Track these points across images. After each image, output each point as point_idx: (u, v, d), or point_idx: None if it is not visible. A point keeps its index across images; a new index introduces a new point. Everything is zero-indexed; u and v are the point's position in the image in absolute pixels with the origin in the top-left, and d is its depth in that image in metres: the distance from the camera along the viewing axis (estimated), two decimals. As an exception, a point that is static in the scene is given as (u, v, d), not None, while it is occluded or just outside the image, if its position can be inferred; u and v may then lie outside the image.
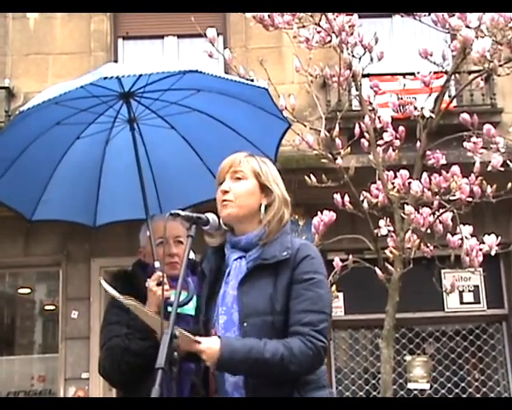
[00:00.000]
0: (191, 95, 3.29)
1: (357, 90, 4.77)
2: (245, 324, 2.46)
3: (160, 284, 2.90)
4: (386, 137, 4.48)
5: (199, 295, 2.96)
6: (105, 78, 2.84)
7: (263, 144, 3.35)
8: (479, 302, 9.17)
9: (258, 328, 2.45)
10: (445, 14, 4.20)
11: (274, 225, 2.58)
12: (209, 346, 2.37)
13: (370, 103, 4.64)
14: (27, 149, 3.23)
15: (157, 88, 3.22)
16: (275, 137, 3.43)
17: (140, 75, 3.05)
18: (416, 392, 8.97)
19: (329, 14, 4.58)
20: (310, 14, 4.65)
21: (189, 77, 3.03)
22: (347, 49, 4.61)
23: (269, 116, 3.28)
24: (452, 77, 4.82)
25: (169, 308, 2.49)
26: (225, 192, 2.59)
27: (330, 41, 4.60)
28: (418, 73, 4.54)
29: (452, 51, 4.53)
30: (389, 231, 4.40)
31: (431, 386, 9.00)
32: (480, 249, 4.12)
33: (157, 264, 3.07)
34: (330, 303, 2.56)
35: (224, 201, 2.59)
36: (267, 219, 2.59)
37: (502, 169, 4.16)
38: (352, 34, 4.61)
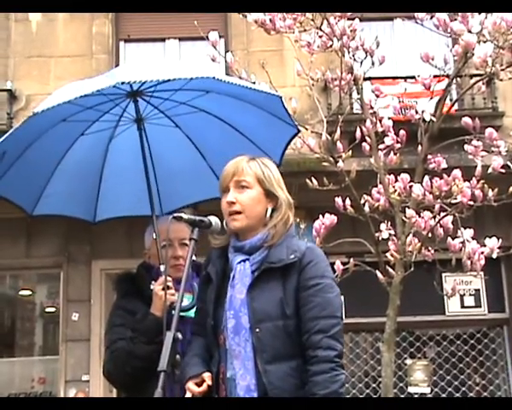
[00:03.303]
0: (200, 95, 3.26)
1: (358, 93, 4.77)
2: (257, 329, 2.47)
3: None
4: (388, 140, 4.48)
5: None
6: (122, 83, 2.81)
7: (268, 148, 3.34)
8: (480, 306, 9.16)
9: (270, 333, 2.47)
10: (447, 19, 4.21)
11: (279, 228, 2.59)
12: None
13: (371, 107, 4.65)
14: (32, 145, 3.21)
15: (168, 88, 3.18)
16: (281, 141, 3.41)
17: None
18: (416, 396, 8.97)
19: (331, 19, 4.59)
20: (311, 18, 4.66)
21: (200, 78, 2.98)
22: (349, 52, 4.61)
23: (277, 120, 3.25)
24: (454, 81, 4.82)
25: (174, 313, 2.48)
26: (232, 204, 2.59)
27: (332, 45, 4.61)
28: (419, 76, 4.54)
29: (454, 55, 4.53)
30: (390, 234, 4.40)
31: (431, 390, 8.99)
32: (482, 253, 4.12)
33: (162, 267, 3.04)
34: (340, 306, 2.56)
35: (232, 213, 2.59)
36: (273, 223, 2.60)
37: (503, 171, 4.16)
38: (353, 38, 4.61)
